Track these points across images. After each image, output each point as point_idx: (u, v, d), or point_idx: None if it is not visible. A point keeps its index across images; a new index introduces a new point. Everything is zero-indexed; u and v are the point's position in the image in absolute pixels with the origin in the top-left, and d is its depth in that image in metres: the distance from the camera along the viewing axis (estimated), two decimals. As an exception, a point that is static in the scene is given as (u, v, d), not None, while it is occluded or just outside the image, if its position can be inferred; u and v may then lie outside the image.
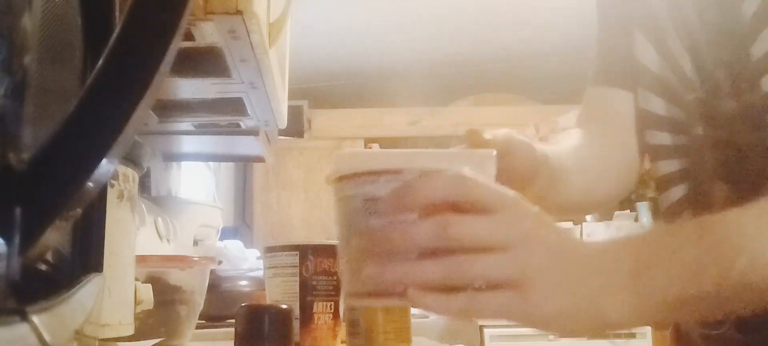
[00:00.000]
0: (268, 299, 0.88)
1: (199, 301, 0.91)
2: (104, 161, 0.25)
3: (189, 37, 0.73)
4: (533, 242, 0.45)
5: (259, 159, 1.38)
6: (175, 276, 0.85)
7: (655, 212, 3.44)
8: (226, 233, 1.88)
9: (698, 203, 0.68)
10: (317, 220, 3.67)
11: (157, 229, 1.29)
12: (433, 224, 0.44)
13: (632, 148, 0.77)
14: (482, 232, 0.44)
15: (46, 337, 0.24)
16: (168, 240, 1.32)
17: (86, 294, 0.33)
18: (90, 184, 0.25)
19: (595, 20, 0.83)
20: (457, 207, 0.45)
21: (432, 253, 0.45)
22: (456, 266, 0.44)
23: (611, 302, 0.45)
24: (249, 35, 0.74)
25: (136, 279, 0.69)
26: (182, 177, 1.83)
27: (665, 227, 0.57)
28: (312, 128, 3.93)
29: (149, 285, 0.72)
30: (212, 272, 1.03)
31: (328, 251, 0.86)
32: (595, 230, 3.28)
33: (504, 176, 0.52)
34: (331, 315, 0.86)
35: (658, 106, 0.71)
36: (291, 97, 1.24)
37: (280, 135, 1.30)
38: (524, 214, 0.46)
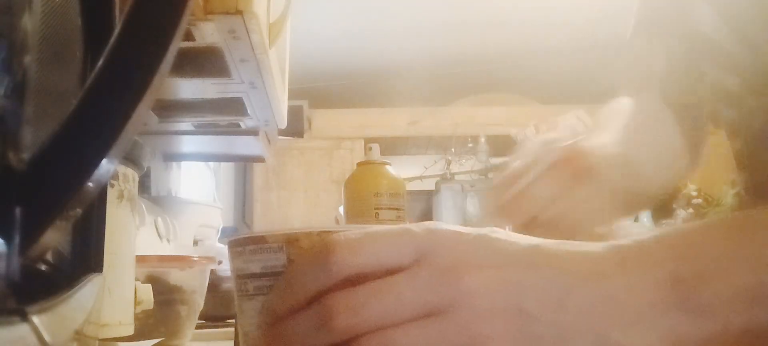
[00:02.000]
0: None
1: (199, 301, 0.91)
2: (104, 161, 0.25)
3: (189, 37, 0.73)
4: (478, 286, 0.30)
5: (259, 159, 1.38)
6: (175, 276, 0.85)
7: (656, 213, 3.44)
8: (226, 233, 1.88)
9: (759, 196, 0.55)
10: (317, 220, 3.67)
11: (157, 229, 1.29)
12: (311, 319, 0.31)
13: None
14: (388, 307, 0.30)
15: (46, 337, 0.24)
16: (168, 240, 1.33)
17: (86, 294, 0.33)
18: (90, 184, 0.25)
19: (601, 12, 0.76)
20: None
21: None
22: None
23: (637, 340, 0.30)
24: (249, 35, 0.74)
25: (136, 279, 0.69)
26: (182, 177, 1.83)
27: (725, 218, 0.36)
28: (312, 128, 3.93)
29: (149, 285, 0.72)
30: (212, 272, 1.03)
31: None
32: (594, 230, 3.27)
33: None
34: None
35: (728, 81, 0.56)
36: (291, 97, 1.24)
37: (280, 135, 1.30)
38: (450, 249, 0.32)
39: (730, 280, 0.30)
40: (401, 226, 0.33)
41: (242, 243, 0.37)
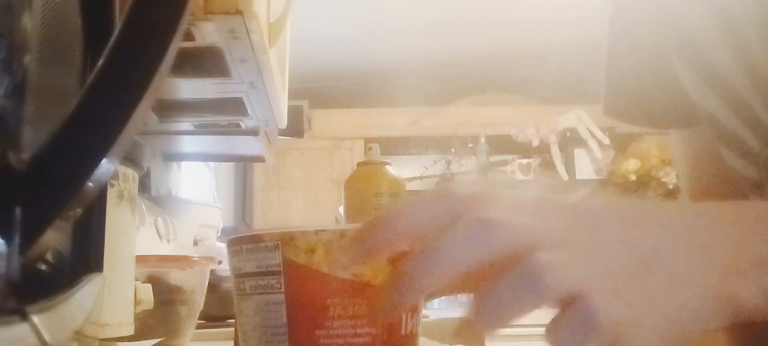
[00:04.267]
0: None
1: (199, 301, 0.91)
2: (104, 161, 0.25)
3: (189, 37, 0.73)
4: (600, 243, 0.31)
5: (259, 159, 1.38)
6: (175, 276, 0.85)
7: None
8: (226, 233, 1.88)
9: None
10: (317, 220, 3.67)
11: (157, 229, 1.29)
12: (461, 233, 0.31)
13: None
14: (525, 230, 0.31)
15: (46, 337, 0.24)
16: (168, 240, 1.33)
17: (86, 294, 0.33)
18: (90, 184, 0.25)
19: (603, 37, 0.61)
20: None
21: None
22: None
23: (738, 289, 0.31)
24: (249, 35, 0.74)
25: (136, 279, 0.69)
26: (182, 177, 1.83)
27: None
28: (312, 128, 3.94)
29: (149, 285, 0.72)
30: (212, 272, 1.03)
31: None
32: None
33: None
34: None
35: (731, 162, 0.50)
36: (291, 97, 1.24)
37: (280, 135, 1.30)
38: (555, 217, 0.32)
39: None
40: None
41: (239, 242, 0.37)
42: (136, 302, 0.68)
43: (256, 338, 0.37)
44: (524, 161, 3.84)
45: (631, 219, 0.33)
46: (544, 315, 0.34)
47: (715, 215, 0.34)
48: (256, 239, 0.36)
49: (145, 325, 0.78)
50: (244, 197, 3.85)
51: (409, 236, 0.32)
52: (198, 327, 0.96)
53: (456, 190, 0.33)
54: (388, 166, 0.96)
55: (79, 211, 0.26)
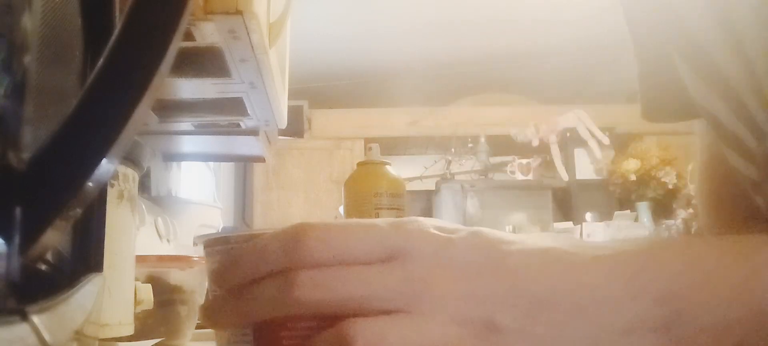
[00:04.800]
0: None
1: (199, 301, 0.91)
2: (104, 161, 0.25)
3: (189, 37, 0.73)
4: (445, 296, 0.30)
5: (259, 159, 1.38)
6: (175, 276, 0.85)
7: (656, 213, 3.44)
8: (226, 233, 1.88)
9: None
10: (317, 220, 3.67)
11: (157, 229, 1.29)
12: (272, 287, 0.31)
13: None
14: (354, 293, 0.30)
15: (46, 337, 0.24)
16: (168, 240, 1.33)
17: (86, 294, 0.33)
18: (90, 184, 0.25)
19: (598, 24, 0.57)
20: None
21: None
22: None
23: None
24: (249, 35, 0.74)
25: (136, 279, 0.69)
26: (182, 177, 1.83)
27: (721, 241, 0.34)
28: (312, 128, 3.94)
29: (149, 285, 0.72)
30: (212, 272, 1.03)
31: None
32: (594, 230, 3.28)
33: None
34: None
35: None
36: (291, 97, 1.24)
37: (280, 135, 1.30)
38: (421, 253, 0.31)
39: (719, 311, 0.30)
40: (371, 220, 0.32)
41: (212, 244, 0.38)
42: (136, 302, 0.68)
43: (225, 338, 0.37)
44: (524, 161, 3.84)
45: (509, 269, 0.30)
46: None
47: (615, 268, 0.31)
48: (224, 241, 0.37)
49: (145, 325, 0.78)
50: (244, 197, 3.85)
51: (251, 273, 0.32)
52: (198, 327, 0.96)
53: (303, 235, 0.31)
54: (388, 166, 0.96)
55: (79, 211, 0.26)
